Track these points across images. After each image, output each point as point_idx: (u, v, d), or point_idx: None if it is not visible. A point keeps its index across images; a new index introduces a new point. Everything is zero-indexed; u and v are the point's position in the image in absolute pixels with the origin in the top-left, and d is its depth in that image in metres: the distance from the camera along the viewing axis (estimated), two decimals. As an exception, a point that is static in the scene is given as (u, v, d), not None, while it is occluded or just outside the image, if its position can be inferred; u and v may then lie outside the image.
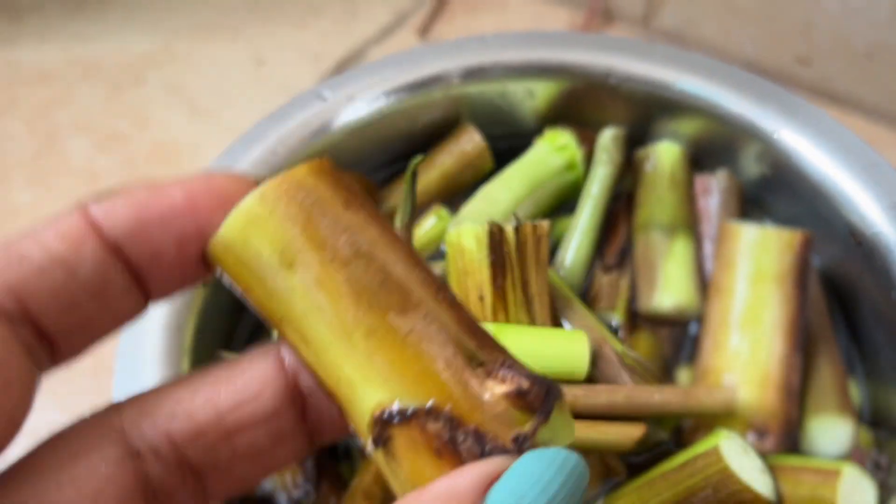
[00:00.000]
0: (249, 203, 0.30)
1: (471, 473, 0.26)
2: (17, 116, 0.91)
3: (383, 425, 0.30)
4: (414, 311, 0.31)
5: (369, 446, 0.31)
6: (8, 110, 0.91)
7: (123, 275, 0.27)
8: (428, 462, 0.30)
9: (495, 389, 0.30)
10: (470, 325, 0.32)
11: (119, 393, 0.48)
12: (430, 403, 0.30)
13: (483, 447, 0.30)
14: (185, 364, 0.50)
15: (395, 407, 0.30)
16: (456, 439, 0.30)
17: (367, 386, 0.30)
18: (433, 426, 0.30)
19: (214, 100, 0.93)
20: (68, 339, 0.27)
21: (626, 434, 0.50)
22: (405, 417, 0.30)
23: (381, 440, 0.30)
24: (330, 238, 0.31)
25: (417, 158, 0.54)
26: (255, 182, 0.29)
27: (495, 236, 0.54)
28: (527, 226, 0.55)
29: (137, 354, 0.49)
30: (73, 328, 0.27)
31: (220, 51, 0.98)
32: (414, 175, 0.54)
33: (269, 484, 0.50)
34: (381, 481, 0.48)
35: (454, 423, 0.30)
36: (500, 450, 0.29)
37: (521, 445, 0.29)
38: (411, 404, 0.30)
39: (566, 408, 0.32)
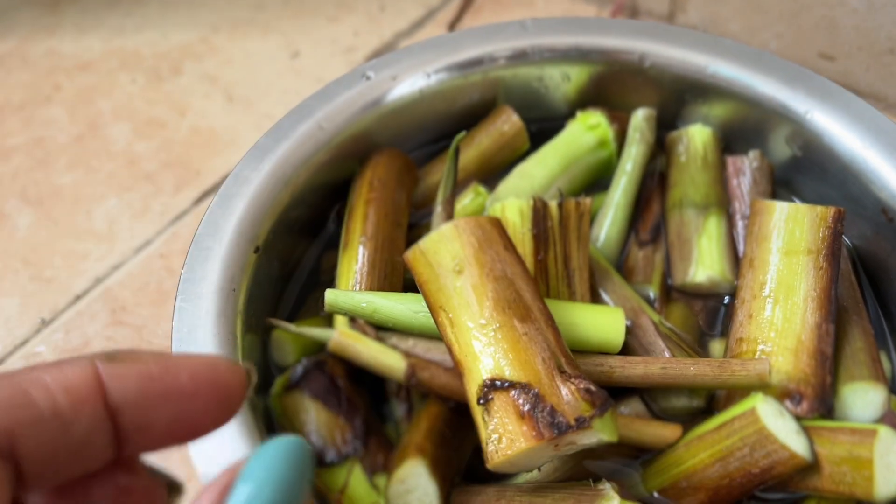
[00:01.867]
0: (447, 228, 0.48)
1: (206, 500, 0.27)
2: (58, 103, 0.93)
3: (489, 388, 0.44)
4: (531, 323, 0.46)
5: (474, 402, 0.44)
6: (50, 98, 0.94)
7: (109, 434, 0.28)
8: (512, 420, 0.43)
9: (571, 387, 0.44)
10: (563, 348, 0.47)
11: (177, 349, 0.50)
12: (524, 381, 0.43)
13: (553, 419, 0.43)
14: (239, 325, 0.52)
15: (500, 377, 0.44)
16: (535, 410, 0.43)
17: (486, 360, 0.45)
18: (523, 397, 0.43)
19: (250, 89, 0.95)
20: (37, 479, 0.27)
21: (661, 436, 0.52)
22: (505, 386, 0.44)
23: (485, 399, 0.44)
24: (489, 263, 0.47)
25: (461, 135, 0.56)
26: (248, 372, 0.33)
27: (539, 211, 0.56)
28: (570, 201, 0.57)
29: (195, 313, 0.51)
30: (45, 472, 0.27)
31: (255, 43, 1.00)
32: (457, 151, 0.56)
33: (319, 440, 0.52)
34: (432, 438, 0.49)
35: (538, 399, 0.43)
36: (565, 424, 0.42)
37: (580, 424, 0.42)
38: (512, 379, 0.44)
39: (615, 417, 0.45)
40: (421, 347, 0.53)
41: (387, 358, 0.51)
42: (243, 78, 0.96)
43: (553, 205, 0.56)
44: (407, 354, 0.51)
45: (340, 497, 0.49)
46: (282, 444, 0.28)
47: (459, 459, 0.52)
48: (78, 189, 0.84)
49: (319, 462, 0.51)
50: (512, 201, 0.56)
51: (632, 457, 0.54)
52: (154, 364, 0.29)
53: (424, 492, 0.47)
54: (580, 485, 0.48)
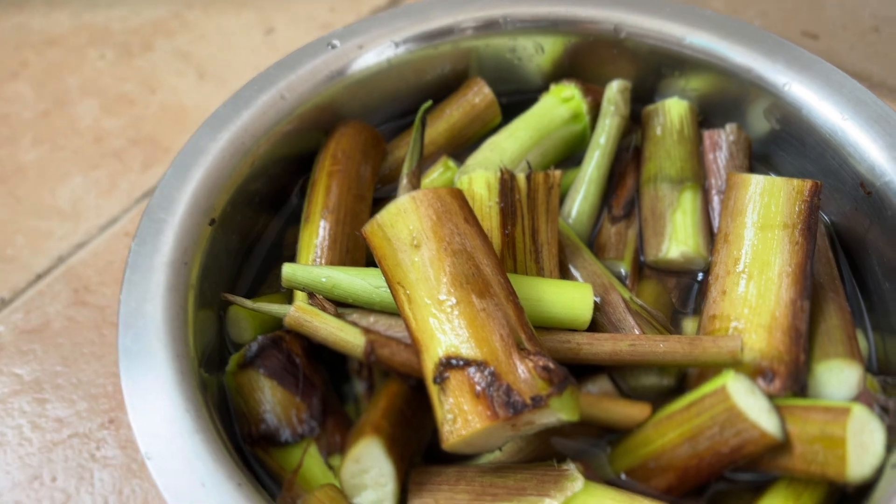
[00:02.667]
0: (404, 200, 0.46)
1: None
2: (25, 79, 0.91)
3: (445, 367, 0.42)
4: (489, 298, 0.44)
5: (430, 381, 0.43)
6: (16, 74, 0.91)
7: None
8: (468, 399, 0.42)
9: (529, 364, 0.43)
10: (525, 324, 0.45)
11: (125, 324, 0.48)
12: (481, 359, 0.42)
13: (509, 398, 0.41)
14: (191, 299, 0.50)
15: (457, 355, 0.42)
16: (491, 389, 0.42)
17: (442, 337, 0.43)
18: (478, 375, 0.42)
19: (223, 67, 0.93)
20: None
21: (629, 415, 0.50)
22: (461, 365, 0.42)
23: (441, 378, 0.42)
24: (448, 236, 0.45)
25: (426, 104, 0.54)
26: None
27: (506, 183, 0.54)
28: (538, 174, 0.55)
29: (144, 287, 0.49)
30: None
31: (229, 19, 0.98)
32: (423, 121, 0.54)
33: (274, 419, 0.50)
34: (389, 416, 0.47)
35: (494, 377, 0.42)
36: (521, 403, 0.41)
37: (536, 403, 0.41)
38: (468, 357, 0.42)
39: (577, 396, 0.44)
40: (382, 324, 0.51)
41: (345, 334, 0.49)
42: (216, 54, 0.94)
43: (521, 177, 0.54)
44: (367, 331, 0.49)
45: (293, 477, 0.47)
46: None
47: (420, 439, 0.50)
48: (43, 166, 0.82)
49: (274, 441, 0.50)
50: (479, 173, 0.54)
51: (600, 437, 0.52)
52: None
53: (380, 471, 0.45)
54: (543, 465, 0.47)
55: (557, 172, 0.55)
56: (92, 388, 0.67)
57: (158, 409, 0.44)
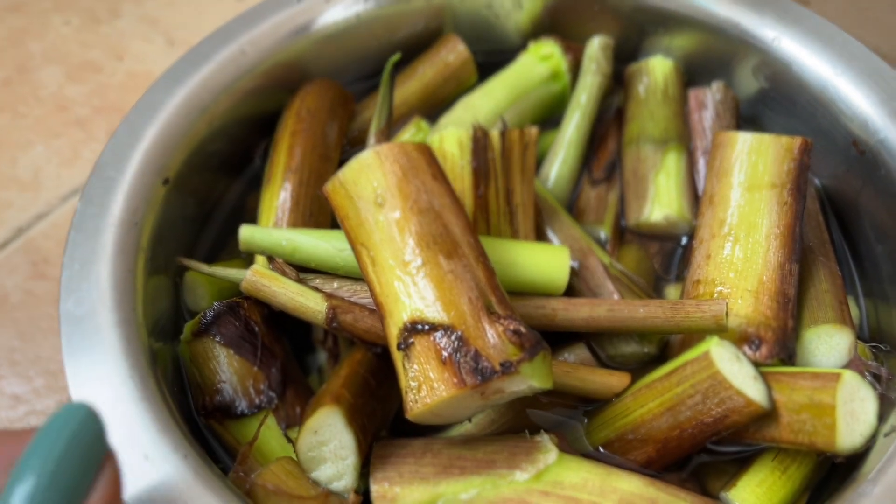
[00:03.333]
0: (367, 155, 0.43)
1: None
2: (-15, 45, 0.87)
3: (409, 332, 0.39)
4: (458, 259, 0.41)
5: (394, 347, 0.40)
6: (-24, 39, 0.87)
7: None
8: (434, 366, 0.39)
9: (498, 329, 0.39)
10: (495, 286, 0.42)
11: (67, 288, 0.44)
12: (447, 323, 0.39)
13: (477, 364, 0.38)
14: (140, 263, 0.47)
15: (422, 319, 0.39)
16: (458, 354, 0.39)
17: (407, 301, 0.40)
18: (445, 340, 0.39)
19: (192, 33, 0.89)
20: None
21: (607, 384, 0.47)
22: (426, 329, 0.39)
23: (405, 343, 0.40)
24: (414, 193, 0.42)
25: (395, 57, 0.51)
26: None
27: (479, 141, 0.51)
28: (513, 131, 0.52)
29: (89, 248, 0.46)
30: None
31: (199, -16, 0.94)
32: (391, 76, 0.50)
33: (230, 390, 0.47)
34: (351, 386, 0.44)
35: (461, 342, 0.39)
36: (490, 370, 0.38)
37: (506, 370, 0.38)
38: (434, 321, 0.39)
39: (549, 361, 0.40)
40: (346, 290, 0.48)
41: (306, 299, 0.46)
42: (186, 21, 0.90)
43: (495, 135, 0.51)
44: (329, 296, 0.46)
45: (248, 450, 0.44)
46: (66, 422, 0.28)
47: (386, 411, 0.47)
48: (3, 135, 0.79)
49: (229, 413, 0.47)
50: (450, 131, 0.51)
51: (576, 408, 0.49)
52: None
53: (340, 444, 0.43)
54: (515, 437, 0.44)
55: (533, 130, 0.52)
56: (50, 365, 0.64)
57: (101, 377, 0.41)
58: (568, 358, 0.49)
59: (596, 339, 0.50)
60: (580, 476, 0.42)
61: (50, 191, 0.75)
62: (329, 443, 0.42)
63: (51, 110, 0.81)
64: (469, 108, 0.58)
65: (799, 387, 0.44)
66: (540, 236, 0.53)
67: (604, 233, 0.55)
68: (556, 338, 0.49)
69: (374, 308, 0.46)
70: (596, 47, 0.59)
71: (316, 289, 0.47)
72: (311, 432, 0.43)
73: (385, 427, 0.47)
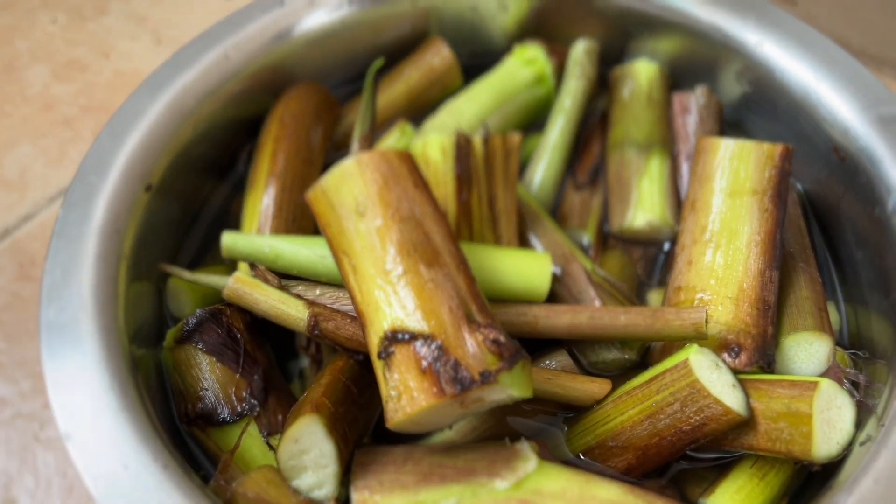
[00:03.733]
0: (348, 163, 0.43)
1: None
2: (-29, 43, 0.87)
3: (390, 341, 0.40)
4: (438, 268, 0.41)
5: (375, 356, 0.40)
6: (-38, 37, 0.87)
7: None
8: (413, 376, 0.39)
9: (478, 338, 0.40)
10: (476, 294, 0.42)
11: (48, 296, 0.44)
12: (428, 332, 0.39)
13: (457, 374, 0.38)
14: (122, 270, 0.47)
15: (402, 328, 0.39)
16: (438, 364, 0.39)
17: (388, 310, 0.40)
18: (425, 350, 0.39)
19: (181, 31, 0.89)
20: None
21: (588, 391, 0.47)
22: (406, 339, 0.39)
23: (386, 353, 0.40)
24: (395, 201, 0.42)
25: (378, 61, 0.51)
26: None
27: (462, 147, 0.51)
28: (496, 137, 0.52)
29: (71, 255, 0.46)
30: None
31: (187, -18, 0.94)
32: (374, 81, 0.51)
33: (212, 397, 0.47)
34: (332, 394, 0.45)
35: (441, 351, 0.39)
36: (469, 379, 0.38)
37: (485, 379, 0.38)
38: (414, 330, 0.39)
39: (529, 370, 0.41)
40: (329, 297, 0.48)
41: (287, 307, 0.46)
42: (173, 18, 0.90)
43: (477, 141, 0.51)
44: (311, 304, 0.46)
45: (229, 458, 0.44)
46: None
47: (367, 419, 0.47)
48: (-12, 134, 0.79)
49: (211, 420, 0.47)
50: (433, 137, 0.51)
51: (557, 415, 0.49)
52: None
53: (321, 452, 0.43)
54: (495, 444, 0.44)
55: (516, 136, 0.52)
56: (36, 367, 0.64)
57: (81, 386, 0.42)
58: (550, 364, 0.50)
59: (578, 346, 0.50)
60: (559, 484, 0.42)
61: (36, 191, 0.74)
62: (310, 451, 0.43)
63: (37, 109, 0.81)
64: (453, 112, 0.58)
65: (777, 395, 0.44)
66: (523, 242, 0.53)
67: (587, 238, 0.55)
68: (537, 344, 0.49)
69: (356, 316, 0.46)
70: (580, 51, 0.60)
71: (298, 296, 0.47)
72: (291, 441, 0.43)
73: (367, 434, 0.48)
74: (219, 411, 0.47)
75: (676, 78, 0.62)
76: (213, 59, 0.55)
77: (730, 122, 0.61)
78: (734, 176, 0.50)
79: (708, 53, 0.60)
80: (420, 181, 0.44)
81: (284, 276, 0.48)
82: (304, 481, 0.43)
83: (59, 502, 0.58)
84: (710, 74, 0.60)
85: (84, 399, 0.41)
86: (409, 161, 0.45)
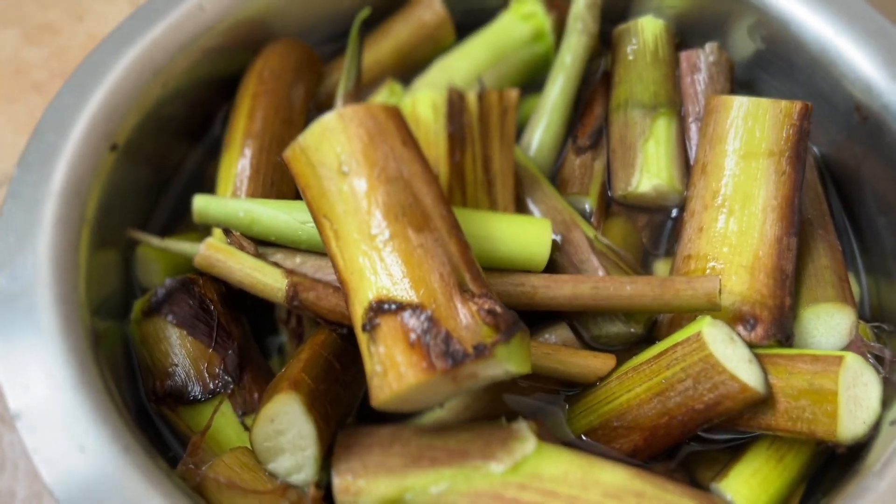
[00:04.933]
0: (330, 117, 0.39)
1: None
2: (-63, 5, 0.82)
3: (375, 312, 0.36)
4: (428, 232, 0.37)
5: (359, 328, 0.36)
6: (-72, -1, 0.83)
7: None
8: (401, 349, 0.35)
9: (472, 308, 0.36)
10: (470, 262, 0.38)
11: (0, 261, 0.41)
12: (416, 302, 0.35)
13: (448, 347, 0.34)
14: (85, 236, 0.43)
15: (389, 298, 0.35)
16: (428, 336, 0.35)
17: (373, 278, 0.36)
18: (413, 321, 0.35)
19: (158, -7, 0.84)
20: None
21: (591, 367, 0.43)
22: (393, 309, 0.35)
23: (370, 325, 0.36)
24: (382, 160, 0.38)
25: (364, 11, 0.47)
26: None
27: (455, 104, 0.47)
28: (492, 93, 0.48)
29: (26, 219, 0.42)
30: None
31: (166, -58, 0.89)
32: (359, 33, 0.47)
33: (182, 374, 0.43)
34: (312, 370, 0.41)
35: (431, 323, 0.35)
36: (462, 353, 0.34)
37: (479, 353, 0.34)
38: (402, 300, 0.35)
39: (527, 344, 0.37)
40: (310, 265, 0.44)
41: (264, 276, 0.42)
42: (151, -20, 0.86)
43: (472, 97, 0.47)
44: (290, 273, 0.42)
45: (199, 440, 0.40)
46: None
47: (352, 397, 0.44)
48: (-45, 99, 0.74)
49: (182, 399, 0.43)
50: (424, 93, 0.47)
51: (558, 393, 0.46)
52: None
53: (299, 433, 0.39)
54: (491, 424, 0.40)
55: (513, 92, 0.48)
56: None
57: (34, 361, 0.38)
58: (549, 339, 0.46)
59: (579, 319, 0.47)
60: (560, 468, 0.38)
61: (5, 160, 0.70)
62: (287, 432, 0.39)
63: (7, 74, 0.77)
64: (445, 70, 0.54)
65: (798, 370, 0.41)
66: (520, 208, 0.49)
67: (589, 204, 0.52)
68: (536, 317, 0.45)
69: (339, 286, 0.43)
70: (581, 5, 0.55)
71: (276, 264, 0.43)
72: (267, 421, 0.39)
73: (351, 414, 0.44)
74: (189, 389, 0.43)
75: (683, 35, 0.58)
76: (185, 11, 0.51)
77: (740, 82, 0.57)
78: (749, 136, 0.47)
79: (718, 8, 0.56)
80: (409, 138, 0.41)
81: (262, 244, 0.44)
82: (280, 464, 0.39)
83: (26, 485, 0.54)
84: (720, 31, 0.57)
85: (37, 375, 0.37)
86: (396, 116, 0.41)
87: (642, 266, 0.51)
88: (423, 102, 0.47)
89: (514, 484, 0.38)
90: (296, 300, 0.42)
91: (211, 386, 0.43)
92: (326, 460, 0.40)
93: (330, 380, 0.42)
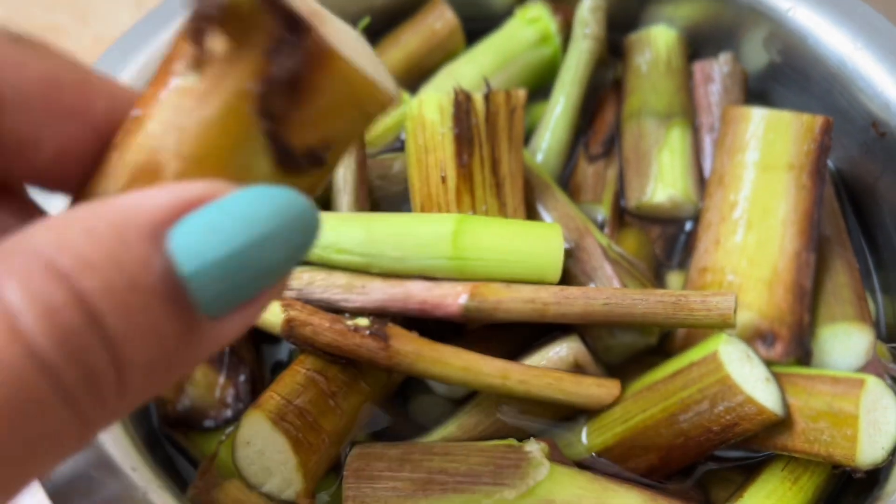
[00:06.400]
0: None
1: (164, 195, 0.20)
2: (-60, 6, 0.81)
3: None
4: None
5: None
6: (-69, -1, 0.82)
7: None
8: None
9: None
10: None
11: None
12: None
13: None
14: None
15: None
16: None
17: None
18: None
19: (164, -4, 0.84)
20: None
21: (595, 397, 0.42)
22: None
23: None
24: None
25: (364, 20, 0.46)
26: None
27: (462, 105, 0.46)
28: (498, 93, 0.47)
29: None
30: None
31: (171, -56, 0.88)
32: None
33: (193, 403, 0.42)
34: (280, 389, 0.40)
35: None
36: None
37: None
38: None
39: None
40: (319, 284, 0.43)
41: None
42: (157, -18, 0.85)
43: (478, 98, 0.46)
44: (287, 305, 0.41)
45: (209, 464, 0.40)
46: (283, 202, 0.21)
47: (349, 406, 0.42)
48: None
49: (194, 426, 0.42)
50: (430, 95, 0.46)
51: (566, 418, 0.45)
52: (67, 70, 0.24)
53: (275, 447, 0.38)
54: (502, 446, 0.40)
55: (521, 92, 0.47)
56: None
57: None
58: (560, 352, 0.45)
59: (592, 329, 0.46)
60: (573, 492, 0.38)
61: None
62: (266, 451, 0.38)
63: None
64: (452, 75, 0.53)
65: (817, 392, 0.40)
66: (531, 213, 0.48)
67: (602, 213, 0.51)
68: (544, 329, 0.45)
69: (348, 305, 0.42)
70: (586, 10, 0.54)
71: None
72: (244, 445, 0.38)
73: (355, 427, 0.43)
74: (202, 417, 0.42)
75: (695, 46, 0.58)
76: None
77: (753, 94, 0.57)
78: (768, 148, 0.46)
79: (732, 19, 0.55)
80: None
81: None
82: (273, 484, 0.39)
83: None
84: (733, 42, 0.56)
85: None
86: None
87: (655, 278, 0.50)
88: (429, 105, 0.46)
89: (527, 508, 0.37)
90: (291, 337, 0.41)
91: (223, 414, 0.42)
92: (330, 477, 0.39)
93: (311, 392, 0.40)
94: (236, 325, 0.21)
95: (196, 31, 0.23)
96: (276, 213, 0.20)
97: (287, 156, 0.23)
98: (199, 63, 0.23)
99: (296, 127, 0.23)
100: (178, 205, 0.20)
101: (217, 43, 0.23)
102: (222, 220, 0.20)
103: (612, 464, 0.42)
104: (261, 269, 0.20)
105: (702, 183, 0.51)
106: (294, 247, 0.21)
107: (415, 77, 0.57)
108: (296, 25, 0.22)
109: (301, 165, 0.24)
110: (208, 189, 0.21)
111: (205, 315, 0.20)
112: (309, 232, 0.21)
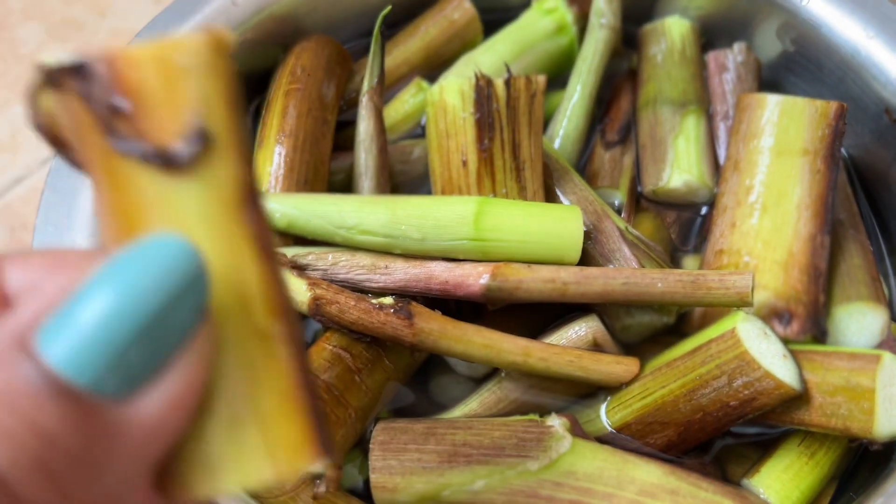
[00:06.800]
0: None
1: (28, 304, 0.20)
2: (-39, 0, 0.82)
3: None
4: None
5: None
6: (-48, -6, 0.83)
7: None
8: None
9: None
10: None
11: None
12: None
13: None
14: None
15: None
16: None
17: None
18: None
19: (180, -10, 0.85)
20: None
21: (613, 374, 0.43)
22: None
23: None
24: None
25: (385, 10, 0.47)
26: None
27: (483, 90, 0.47)
28: (519, 79, 0.48)
29: (66, 211, 0.42)
30: None
31: (187, -60, 0.89)
32: (383, 30, 0.47)
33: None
34: (303, 365, 0.41)
35: None
36: None
37: None
38: None
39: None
40: (343, 265, 0.44)
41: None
42: (173, -23, 0.86)
43: (499, 83, 0.47)
44: (313, 284, 0.42)
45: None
46: (159, 252, 0.20)
47: (374, 383, 0.43)
48: (-21, 95, 0.75)
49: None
50: (451, 80, 0.47)
51: (586, 395, 0.46)
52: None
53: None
54: (525, 420, 0.41)
55: (541, 78, 0.48)
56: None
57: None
58: (579, 331, 0.46)
59: (610, 308, 0.46)
60: (595, 465, 0.39)
61: (29, 153, 0.71)
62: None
63: (30, 68, 0.77)
64: (471, 63, 0.54)
65: (834, 367, 0.41)
66: (550, 197, 0.49)
67: (619, 198, 0.52)
68: (564, 308, 0.45)
69: (371, 285, 0.43)
70: (602, 0, 0.56)
71: (305, 269, 0.43)
72: None
73: (380, 401, 0.44)
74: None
75: (709, 36, 0.59)
76: (218, 7, 0.51)
77: (767, 83, 0.57)
78: (783, 134, 0.47)
79: (745, 9, 0.56)
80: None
81: (299, 241, 0.45)
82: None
83: None
84: (747, 31, 0.57)
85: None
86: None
87: (671, 261, 0.51)
88: (451, 90, 0.47)
89: (550, 482, 0.38)
90: (318, 315, 0.42)
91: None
92: (355, 451, 0.40)
93: (337, 368, 0.41)
94: (164, 398, 0.20)
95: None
96: (132, 278, 0.19)
97: (162, 157, 0.22)
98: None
99: (147, 121, 0.22)
100: (37, 309, 0.20)
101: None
102: (75, 307, 0.19)
103: (632, 439, 0.43)
104: (136, 335, 0.19)
105: (717, 169, 0.52)
106: (160, 300, 0.20)
107: (433, 65, 0.58)
108: (78, 69, 0.22)
109: (181, 157, 0.22)
110: (64, 284, 0.20)
111: (108, 398, 0.19)
112: (171, 273, 0.20)
